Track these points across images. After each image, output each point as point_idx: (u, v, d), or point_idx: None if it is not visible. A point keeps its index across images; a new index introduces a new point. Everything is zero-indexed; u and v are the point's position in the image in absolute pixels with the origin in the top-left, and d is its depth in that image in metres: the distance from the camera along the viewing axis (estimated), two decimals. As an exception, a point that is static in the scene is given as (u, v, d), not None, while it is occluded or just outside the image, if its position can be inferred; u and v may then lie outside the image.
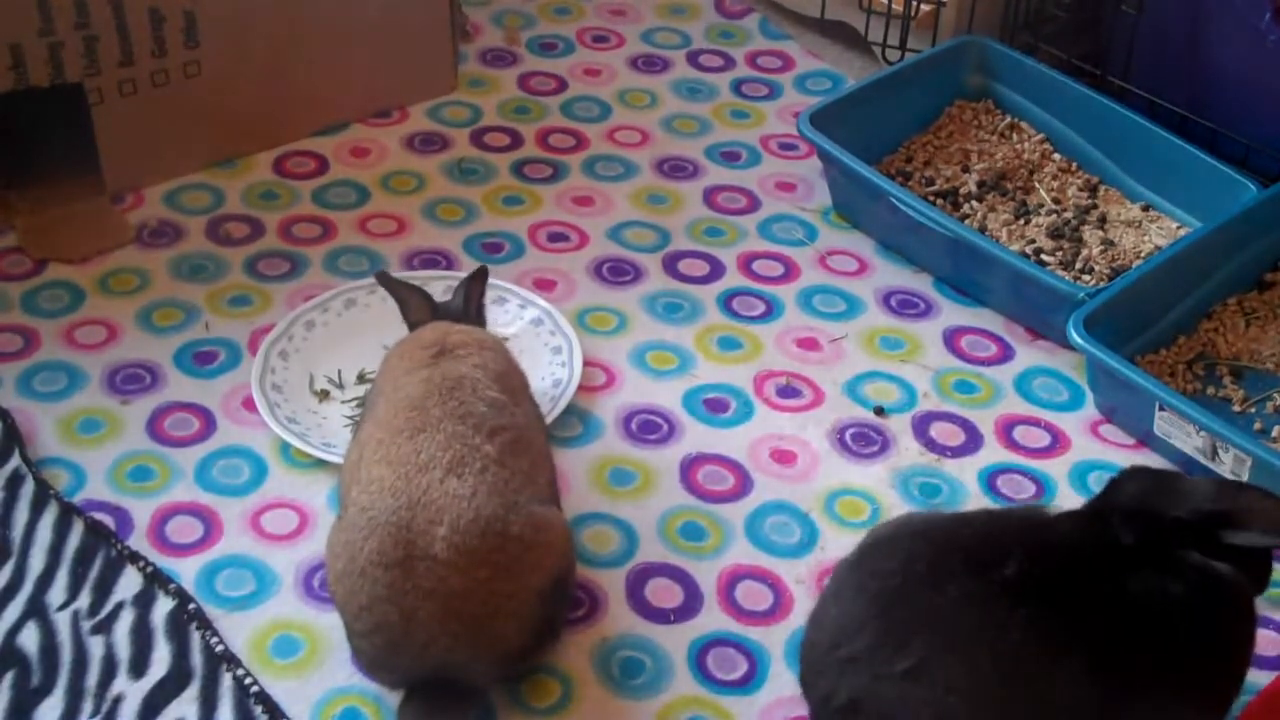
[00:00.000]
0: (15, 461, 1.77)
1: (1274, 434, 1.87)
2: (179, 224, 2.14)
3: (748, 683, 1.60)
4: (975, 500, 1.80)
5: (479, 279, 1.77)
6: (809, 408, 1.91)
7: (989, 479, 1.83)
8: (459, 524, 1.45)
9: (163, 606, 1.63)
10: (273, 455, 1.81)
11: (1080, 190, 2.21)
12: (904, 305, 2.07)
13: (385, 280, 1.77)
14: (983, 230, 2.12)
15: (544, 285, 2.06)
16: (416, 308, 1.74)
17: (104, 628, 1.61)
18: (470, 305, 1.75)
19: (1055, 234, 2.11)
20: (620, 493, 1.79)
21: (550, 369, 1.90)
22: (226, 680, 1.56)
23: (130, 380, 1.90)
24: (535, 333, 1.95)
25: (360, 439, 1.57)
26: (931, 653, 1.35)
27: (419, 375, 1.58)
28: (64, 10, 1.99)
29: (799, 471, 1.83)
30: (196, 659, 1.58)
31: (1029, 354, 2.01)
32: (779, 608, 1.67)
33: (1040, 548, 1.41)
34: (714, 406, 1.91)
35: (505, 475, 1.50)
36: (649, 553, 1.72)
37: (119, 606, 1.63)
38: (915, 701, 1.35)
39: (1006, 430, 1.89)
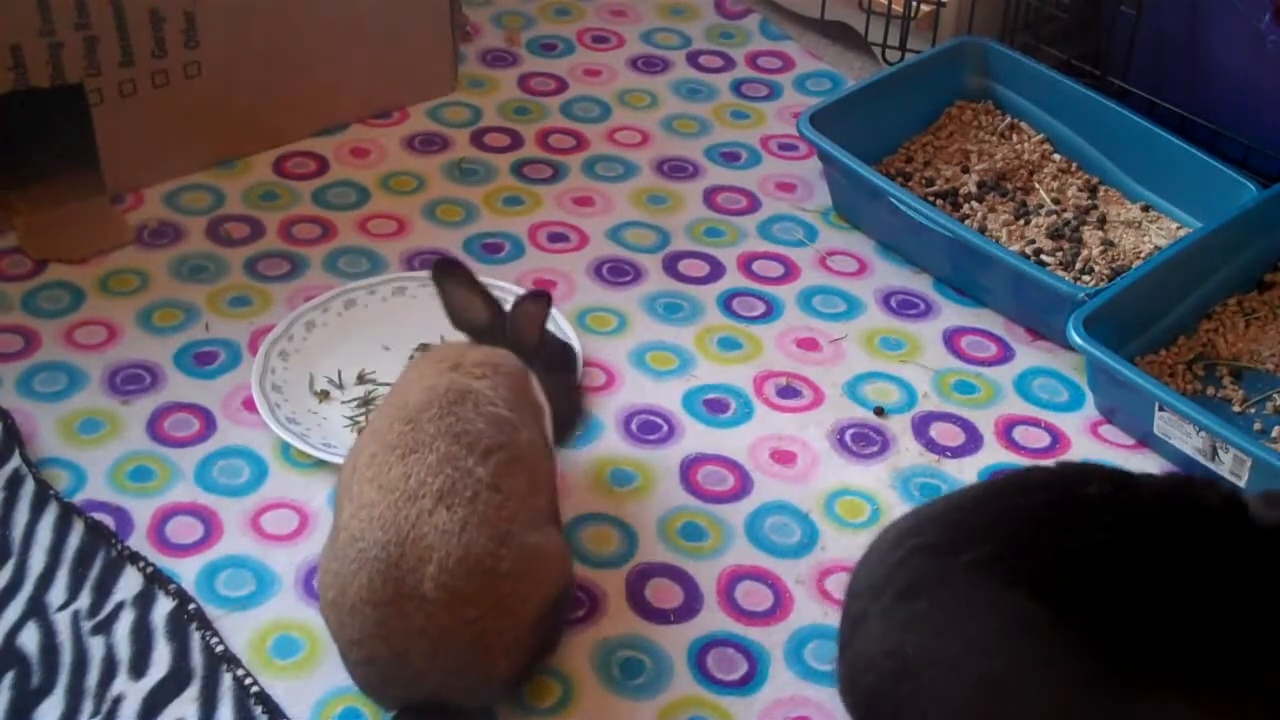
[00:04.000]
0: (15, 461, 1.77)
1: (1274, 434, 1.87)
2: (179, 224, 2.14)
3: (748, 683, 1.60)
4: (975, 500, 1.80)
5: (538, 304, 1.66)
6: (809, 408, 1.91)
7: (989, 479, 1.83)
8: (447, 563, 1.43)
9: (163, 607, 1.63)
10: (273, 455, 1.81)
11: (1080, 190, 2.21)
12: (904, 305, 2.07)
13: (447, 270, 1.68)
14: (983, 230, 2.12)
15: (544, 285, 2.06)
16: (469, 310, 1.67)
17: (104, 628, 1.61)
18: (518, 329, 1.66)
19: (1055, 234, 2.11)
20: (620, 493, 1.79)
21: (550, 369, 1.91)
22: (226, 680, 1.56)
23: (130, 380, 1.90)
24: (535, 333, 1.95)
25: (357, 446, 1.55)
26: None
27: (425, 383, 1.56)
28: (64, 10, 1.99)
29: (799, 472, 1.83)
30: (196, 659, 1.58)
31: (1029, 354, 2.01)
32: (779, 608, 1.67)
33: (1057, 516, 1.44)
34: (714, 407, 1.91)
35: (498, 500, 1.47)
36: (649, 553, 1.72)
37: (119, 607, 1.63)
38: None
39: (1006, 430, 1.89)
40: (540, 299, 1.67)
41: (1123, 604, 1.39)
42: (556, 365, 1.74)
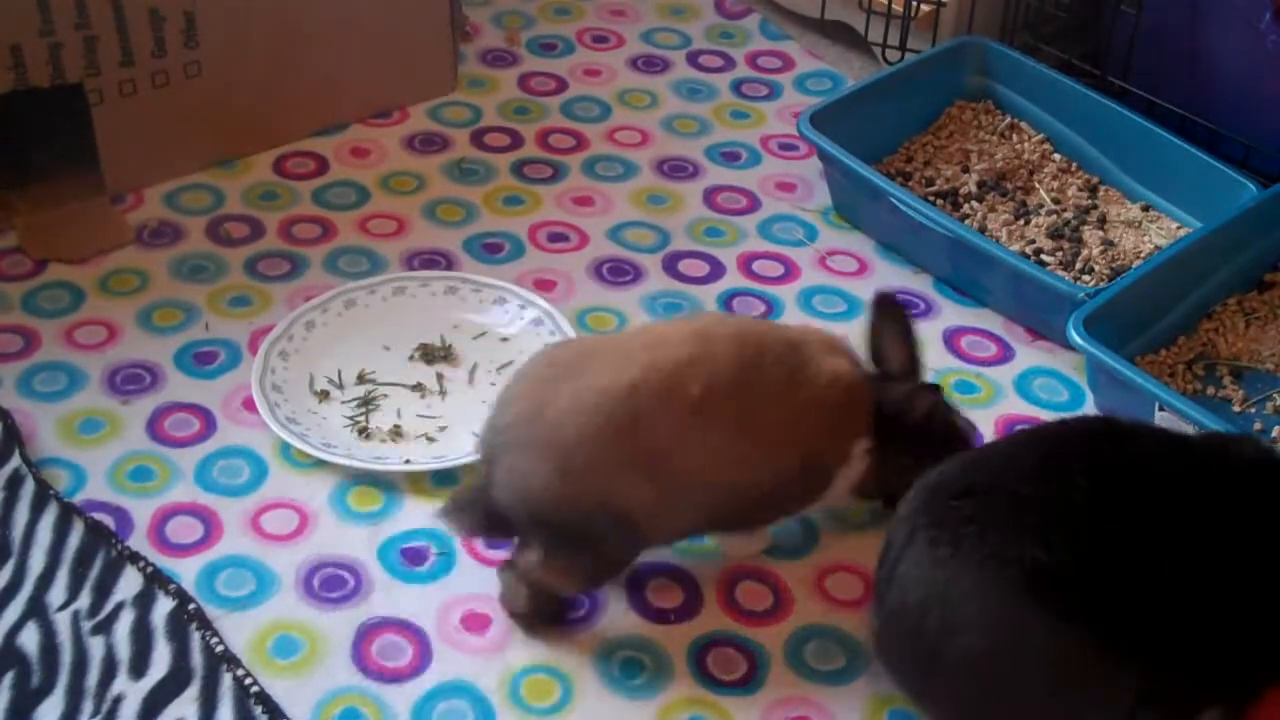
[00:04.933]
0: (15, 461, 1.77)
1: (1274, 434, 1.87)
2: (179, 224, 2.14)
3: (748, 683, 1.60)
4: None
5: (932, 396, 1.65)
6: (809, 408, 1.91)
7: (989, 479, 1.82)
8: (588, 394, 1.52)
9: (163, 606, 1.63)
10: (273, 455, 1.81)
11: (1080, 190, 2.21)
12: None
13: (889, 306, 1.69)
14: (983, 230, 2.12)
15: (544, 285, 2.06)
16: (883, 353, 1.68)
17: (104, 628, 1.61)
18: (904, 406, 1.64)
19: (1055, 234, 2.11)
20: (620, 493, 1.79)
21: (550, 369, 1.90)
22: (226, 680, 1.56)
23: (130, 380, 1.90)
24: (535, 333, 1.95)
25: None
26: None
27: (777, 335, 1.61)
28: (64, 10, 1.99)
29: (799, 471, 1.83)
30: (196, 659, 1.58)
31: (1029, 354, 2.01)
32: (779, 608, 1.67)
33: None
34: (714, 406, 1.91)
35: (675, 427, 1.53)
36: (649, 552, 1.72)
37: (119, 606, 1.63)
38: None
39: (1007, 430, 1.89)
40: (934, 391, 1.65)
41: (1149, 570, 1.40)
42: (926, 448, 1.64)
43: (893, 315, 1.69)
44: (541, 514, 1.54)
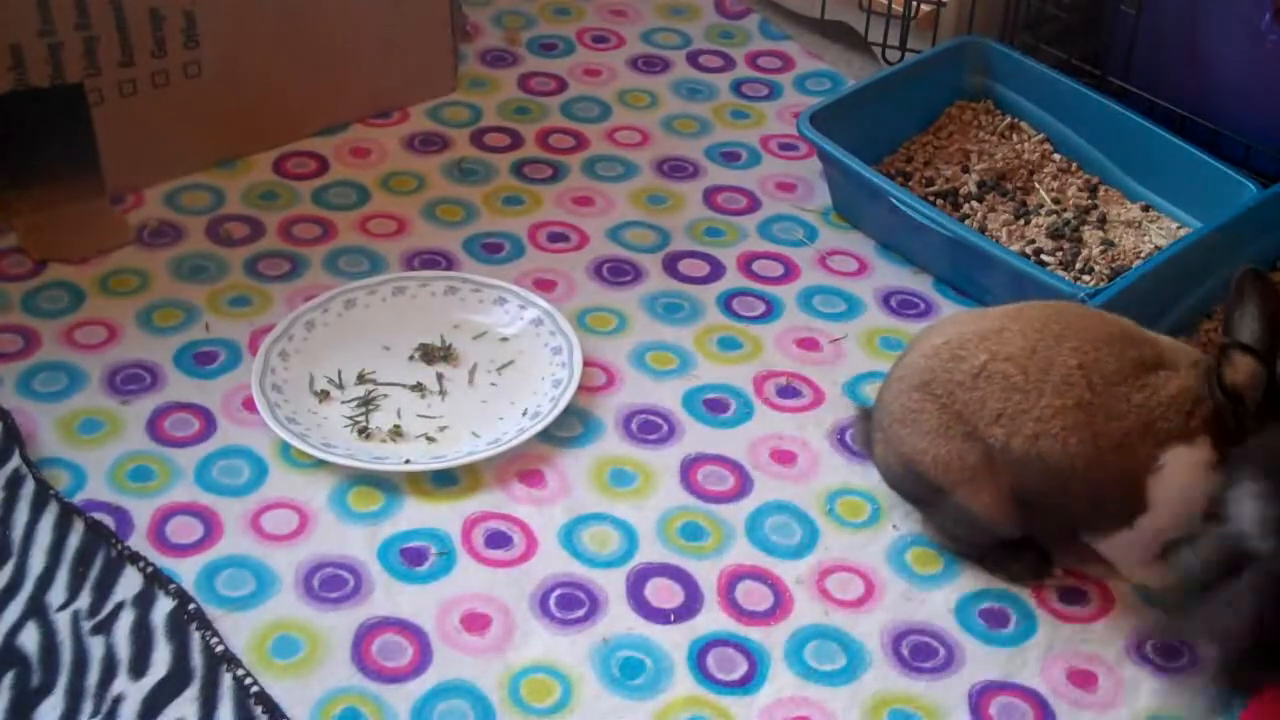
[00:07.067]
0: (15, 461, 1.77)
1: (1274, 434, 1.87)
2: (179, 224, 2.14)
3: (748, 683, 1.60)
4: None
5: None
6: (809, 408, 1.91)
7: (989, 479, 1.83)
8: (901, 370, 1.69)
9: (163, 606, 1.63)
10: (273, 455, 1.81)
11: (1080, 190, 2.21)
12: (904, 305, 2.07)
13: (1246, 278, 1.59)
14: (983, 230, 2.12)
15: (544, 285, 2.06)
16: (1241, 329, 1.58)
17: (104, 628, 1.61)
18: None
19: (1055, 234, 2.12)
20: (620, 493, 1.79)
21: (550, 369, 1.91)
22: (226, 680, 1.56)
23: (130, 380, 1.90)
24: (535, 333, 1.95)
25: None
26: None
27: (1120, 349, 1.62)
28: (64, 10, 1.99)
29: (799, 471, 1.83)
30: (196, 659, 1.58)
31: (1029, 354, 2.01)
32: (779, 608, 1.67)
33: None
34: (714, 406, 1.91)
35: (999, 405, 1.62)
36: (649, 553, 1.72)
37: (119, 606, 1.63)
38: None
39: (1006, 430, 1.89)
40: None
41: None
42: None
43: (1248, 290, 1.59)
44: (886, 479, 1.75)
